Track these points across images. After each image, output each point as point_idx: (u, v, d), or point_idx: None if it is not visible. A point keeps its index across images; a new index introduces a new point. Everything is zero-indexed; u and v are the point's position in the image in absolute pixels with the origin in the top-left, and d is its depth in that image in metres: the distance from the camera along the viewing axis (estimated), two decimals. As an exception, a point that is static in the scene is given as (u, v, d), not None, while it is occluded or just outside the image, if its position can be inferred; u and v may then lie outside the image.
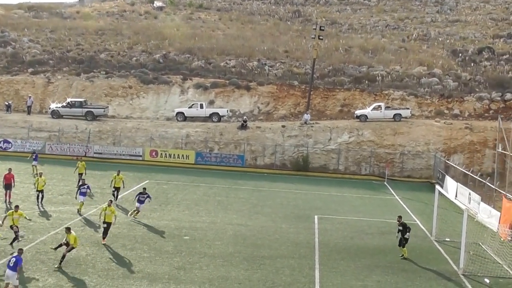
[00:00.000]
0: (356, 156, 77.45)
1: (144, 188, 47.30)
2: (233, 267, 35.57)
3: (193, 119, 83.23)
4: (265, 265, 36.60)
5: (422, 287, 34.12)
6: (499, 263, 39.42)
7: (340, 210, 54.43)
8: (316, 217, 50.82)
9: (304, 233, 45.12)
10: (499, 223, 47.34)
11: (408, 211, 55.84)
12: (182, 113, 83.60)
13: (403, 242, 39.06)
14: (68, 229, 34.03)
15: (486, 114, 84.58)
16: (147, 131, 79.86)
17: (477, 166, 74.39)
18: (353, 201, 59.50)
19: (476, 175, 62.31)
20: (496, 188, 53.72)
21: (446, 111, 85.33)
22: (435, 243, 44.29)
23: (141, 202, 46.11)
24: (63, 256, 33.53)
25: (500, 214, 48.36)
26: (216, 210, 51.39)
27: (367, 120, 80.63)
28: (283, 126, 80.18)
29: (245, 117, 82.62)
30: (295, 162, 76.78)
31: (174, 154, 76.99)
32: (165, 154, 76.95)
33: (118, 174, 51.44)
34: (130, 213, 46.66)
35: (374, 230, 47.54)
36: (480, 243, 43.46)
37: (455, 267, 37.49)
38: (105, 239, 38.91)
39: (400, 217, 40.06)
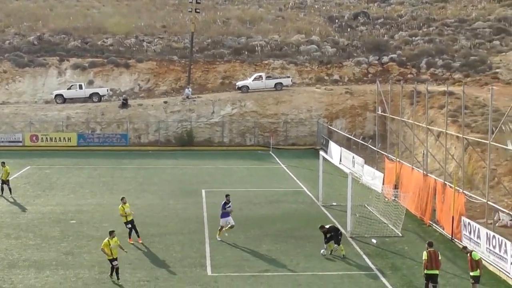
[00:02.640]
0: (240, 127, 77.65)
1: (228, 195, 38.17)
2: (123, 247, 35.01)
3: (73, 100, 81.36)
4: (154, 243, 36.36)
5: (312, 253, 34.52)
6: (385, 223, 40.34)
7: (227, 182, 54.50)
8: (203, 191, 50.74)
9: (192, 208, 45.03)
10: (383, 184, 48.42)
11: (295, 178, 56.45)
12: (61, 95, 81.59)
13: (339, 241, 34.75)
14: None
15: (365, 78, 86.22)
16: (26, 115, 77.62)
17: (359, 129, 75.83)
18: (240, 173, 59.71)
19: (359, 139, 63.51)
20: (378, 150, 54.84)
21: (326, 77, 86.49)
22: (322, 208, 44.93)
23: (226, 215, 37.27)
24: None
25: (384, 175, 49.48)
26: (102, 192, 50.65)
27: (249, 91, 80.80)
28: (165, 102, 79.48)
29: (125, 96, 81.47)
30: (179, 137, 76.40)
31: (55, 138, 75.29)
32: (46, 138, 75.13)
33: (3, 166, 48.85)
34: (219, 234, 37.52)
35: (261, 199, 47.81)
36: (366, 205, 44.35)
37: (343, 230, 38.09)
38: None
39: (322, 226, 34.87)
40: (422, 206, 41.75)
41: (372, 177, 50.89)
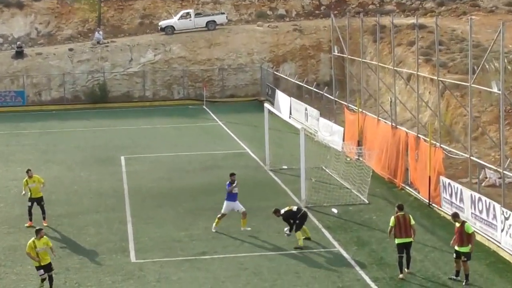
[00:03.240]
0: (166, 77, 77.19)
1: (233, 174, 34.69)
2: (22, 234, 34.54)
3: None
4: (63, 226, 35.94)
5: (259, 228, 34.38)
6: (347, 188, 40.45)
7: (152, 146, 54.31)
8: (123, 158, 50.46)
9: (109, 180, 44.75)
10: (343, 140, 48.48)
11: (235, 138, 56.36)
12: None
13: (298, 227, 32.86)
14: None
15: (317, 12, 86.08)
16: None
17: (312, 74, 75.92)
18: (167, 133, 59.51)
19: (312, 86, 63.50)
20: (336, 99, 54.86)
21: (269, 12, 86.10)
22: (271, 173, 44.88)
23: (231, 198, 34.22)
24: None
25: (344, 129, 49.52)
26: (-5, 164, 50.12)
27: (175, 32, 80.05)
28: (71, 50, 78.44)
29: (19, 43, 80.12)
30: (90, 92, 75.75)
31: None
32: None
33: None
34: (214, 222, 34.69)
35: (196, 165, 47.63)
36: (323, 167, 44.44)
37: (296, 198, 38.07)
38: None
39: (276, 210, 32.71)
40: (391, 166, 41.89)
41: (329, 133, 50.95)
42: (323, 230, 34.22)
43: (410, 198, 38.61)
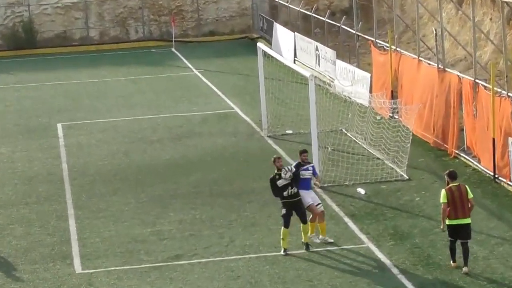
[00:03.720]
0: (118, 10, 77.32)
1: (305, 152, 32.43)
2: None
3: None
4: (-22, 225, 36.07)
5: (255, 220, 34.45)
6: (378, 159, 40.42)
7: (101, 109, 54.57)
8: (59, 126, 50.81)
9: (41, 158, 44.97)
10: (370, 91, 48.42)
11: (218, 92, 56.43)
12: None
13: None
14: None
15: None
16: None
17: (325, 0, 75.89)
18: (122, 89, 59.78)
19: (325, 16, 63.35)
20: (359, 33, 54.82)
21: None
22: (269, 141, 44.95)
23: (305, 186, 31.40)
24: None
25: (371, 76, 49.46)
26: None
27: None
28: (-20, -26, 78.59)
29: None
30: (10, 34, 76.23)
31: None
32: None
33: None
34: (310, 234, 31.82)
35: (163, 133, 47.77)
36: (343, 130, 44.46)
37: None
38: None
39: (275, 159, 31.85)
40: (439, 126, 41.90)
41: (351, 81, 50.93)
42: (346, 219, 34.26)
43: (467, 170, 38.69)
